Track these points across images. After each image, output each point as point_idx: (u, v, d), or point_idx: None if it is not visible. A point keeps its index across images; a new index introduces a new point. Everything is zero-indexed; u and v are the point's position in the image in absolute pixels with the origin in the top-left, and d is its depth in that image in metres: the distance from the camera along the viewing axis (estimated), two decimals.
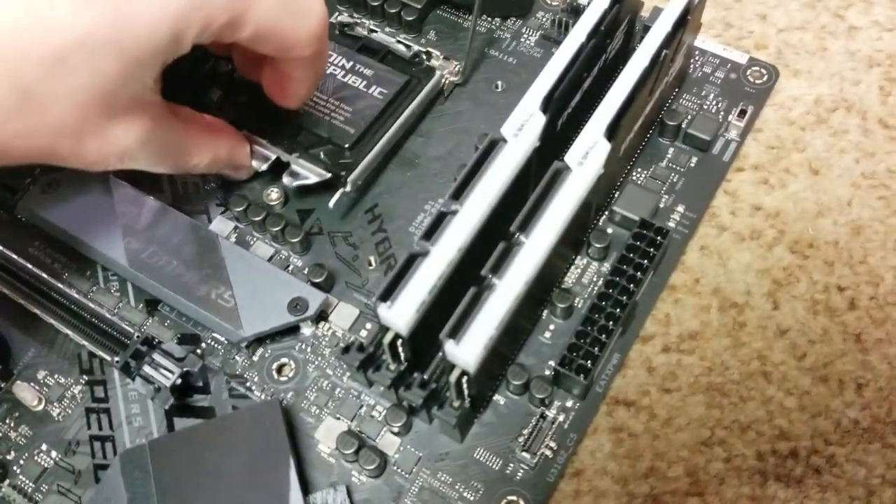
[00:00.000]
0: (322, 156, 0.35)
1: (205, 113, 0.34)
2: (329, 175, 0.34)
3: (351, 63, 0.37)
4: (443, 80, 0.38)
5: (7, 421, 0.32)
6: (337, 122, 0.36)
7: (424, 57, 0.38)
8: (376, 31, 0.39)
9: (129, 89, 0.27)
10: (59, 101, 0.26)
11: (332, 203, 0.34)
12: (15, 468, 0.31)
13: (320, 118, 0.36)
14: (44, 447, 0.31)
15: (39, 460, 0.31)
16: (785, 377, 0.32)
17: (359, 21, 0.40)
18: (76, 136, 0.27)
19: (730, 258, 0.34)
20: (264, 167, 0.35)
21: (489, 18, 0.41)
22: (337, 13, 0.41)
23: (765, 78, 0.38)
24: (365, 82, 0.37)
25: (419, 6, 0.40)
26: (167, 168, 0.32)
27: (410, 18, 0.40)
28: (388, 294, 0.27)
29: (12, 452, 0.31)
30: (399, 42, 0.39)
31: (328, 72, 0.37)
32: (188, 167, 0.33)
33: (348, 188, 0.34)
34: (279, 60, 0.31)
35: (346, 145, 0.35)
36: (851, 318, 0.33)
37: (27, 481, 0.31)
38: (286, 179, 0.35)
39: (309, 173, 0.35)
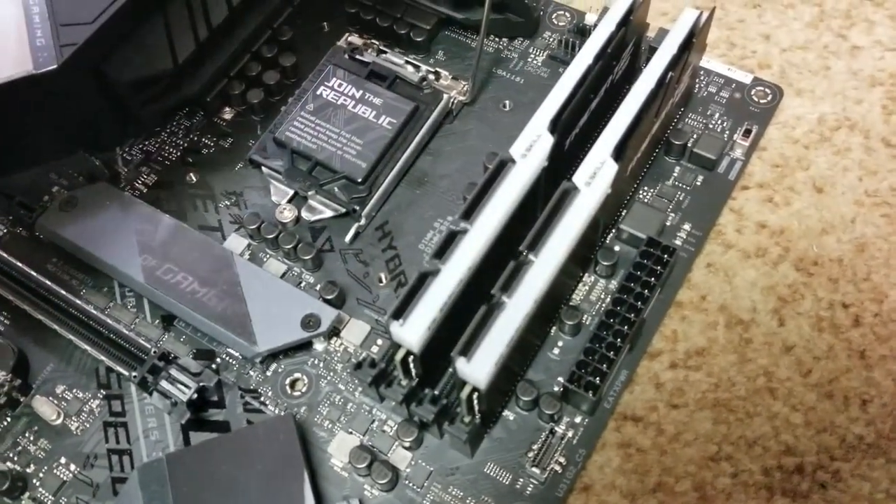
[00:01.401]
0: (336, 191, 0.36)
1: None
2: (344, 210, 0.36)
3: (360, 92, 0.38)
4: (451, 102, 0.39)
5: (26, 434, 0.33)
6: (349, 156, 0.36)
7: (433, 77, 0.39)
8: (386, 52, 0.40)
9: None
10: None
11: (348, 238, 0.36)
12: (35, 481, 0.32)
13: (333, 152, 0.36)
14: (63, 460, 0.32)
15: (58, 473, 0.32)
16: (791, 393, 0.32)
17: (368, 41, 0.41)
18: None
19: (735, 275, 0.35)
20: (284, 202, 0.36)
21: (497, 38, 0.41)
22: (347, 34, 0.41)
23: (769, 98, 0.39)
24: (374, 112, 0.37)
25: (428, 27, 0.41)
26: None
27: (419, 39, 0.40)
28: (400, 312, 0.27)
29: (32, 465, 0.32)
30: (408, 62, 0.40)
31: (339, 103, 0.38)
32: None
33: (363, 221, 0.36)
34: None
35: (359, 179, 0.36)
36: (856, 334, 0.33)
37: (47, 494, 0.31)
38: (305, 214, 0.36)
39: (325, 209, 0.36)
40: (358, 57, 0.40)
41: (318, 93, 0.38)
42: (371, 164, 0.36)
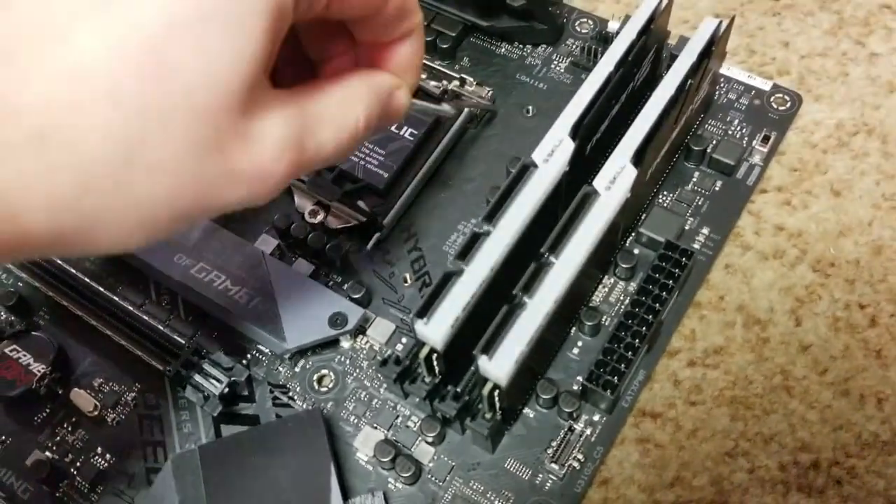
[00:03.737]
0: (359, 201, 0.36)
1: None
2: (366, 219, 0.36)
3: None
4: (474, 110, 0.40)
5: (65, 425, 0.34)
6: (371, 166, 0.37)
7: (458, 84, 0.40)
8: None
9: (246, 73, 0.22)
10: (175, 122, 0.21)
11: (369, 246, 0.37)
12: (72, 470, 0.33)
13: (356, 163, 0.37)
14: (99, 450, 0.33)
15: (95, 463, 0.33)
16: (807, 391, 0.33)
17: None
18: (216, 162, 0.22)
19: (753, 276, 0.35)
20: (309, 208, 0.37)
21: (521, 45, 0.42)
22: None
23: (788, 104, 0.39)
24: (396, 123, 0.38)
25: (453, 34, 0.42)
26: (339, 144, 0.26)
27: (445, 46, 0.41)
28: (424, 311, 0.28)
29: (69, 455, 0.33)
30: (432, 68, 0.41)
31: None
32: (355, 134, 0.27)
33: (384, 230, 0.37)
34: (373, 28, 0.27)
35: (381, 187, 0.37)
36: (872, 334, 0.34)
37: (83, 483, 0.32)
38: (329, 221, 0.37)
39: (348, 217, 0.37)
40: None
41: None
42: (393, 174, 0.37)
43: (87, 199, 0.21)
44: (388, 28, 0.27)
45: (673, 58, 0.34)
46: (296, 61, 0.27)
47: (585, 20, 0.43)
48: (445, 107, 0.35)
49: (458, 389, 0.30)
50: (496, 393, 0.28)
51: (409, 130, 0.38)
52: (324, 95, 0.26)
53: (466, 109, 0.39)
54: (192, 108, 0.21)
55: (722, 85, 0.40)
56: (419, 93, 0.39)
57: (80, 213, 0.21)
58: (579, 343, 0.34)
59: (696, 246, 0.36)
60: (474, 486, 0.31)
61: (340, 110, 0.26)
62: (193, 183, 0.22)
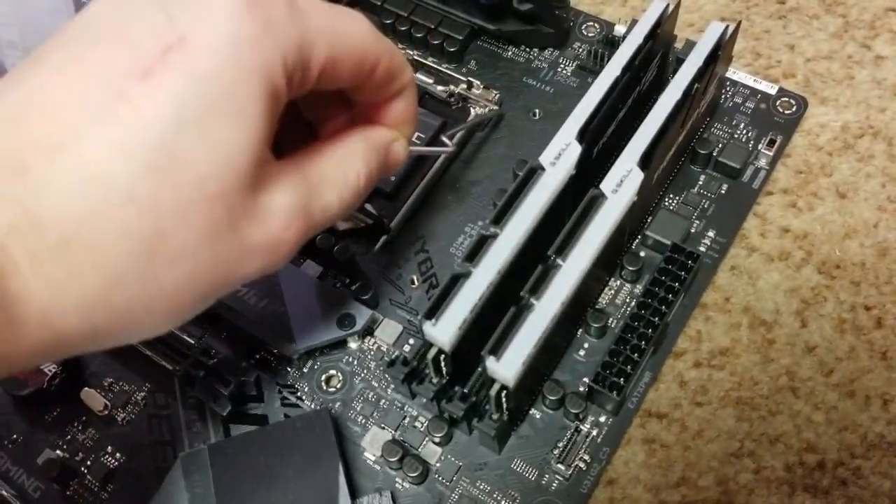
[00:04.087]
0: (366, 203, 0.37)
1: None
2: (373, 222, 0.37)
3: None
4: (482, 117, 0.40)
5: (76, 424, 0.34)
6: None
7: (466, 87, 0.40)
8: (416, 66, 0.41)
9: (252, 155, 0.23)
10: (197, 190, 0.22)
11: (376, 248, 0.37)
12: (83, 469, 0.33)
13: None
14: (109, 449, 0.33)
15: (105, 462, 0.33)
16: (812, 392, 0.33)
17: (403, 50, 0.42)
18: (232, 241, 0.23)
19: (759, 278, 0.35)
20: None
21: (527, 49, 0.43)
22: None
23: (794, 108, 0.39)
24: None
25: (461, 38, 0.42)
26: (343, 203, 0.27)
27: (452, 49, 0.42)
28: (432, 312, 0.28)
29: (80, 454, 0.33)
30: (439, 71, 0.41)
31: None
32: (357, 191, 0.28)
33: (391, 233, 0.37)
34: (367, 91, 0.28)
35: (388, 190, 0.37)
36: (878, 336, 0.34)
37: (94, 481, 0.33)
38: (337, 224, 0.37)
39: (356, 220, 0.37)
40: None
41: None
42: (400, 177, 0.37)
43: (115, 297, 0.21)
44: (381, 90, 0.28)
45: (679, 62, 0.34)
46: (295, 126, 0.28)
47: (592, 24, 0.43)
48: (446, 141, 0.36)
49: (466, 390, 0.31)
50: (503, 394, 0.28)
51: (417, 134, 0.38)
52: (324, 159, 0.27)
53: (473, 112, 0.40)
54: (205, 197, 0.22)
55: (728, 88, 0.40)
56: (425, 96, 0.40)
57: (110, 310, 0.22)
58: (585, 345, 0.34)
59: (702, 249, 0.36)
60: (481, 486, 0.31)
61: (341, 170, 0.27)
62: (212, 265, 0.23)
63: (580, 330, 0.34)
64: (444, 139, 0.36)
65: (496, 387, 0.28)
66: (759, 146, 0.38)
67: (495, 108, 0.40)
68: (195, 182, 0.22)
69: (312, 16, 0.24)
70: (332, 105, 0.29)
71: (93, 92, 0.21)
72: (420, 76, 0.41)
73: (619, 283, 0.35)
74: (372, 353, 0.35)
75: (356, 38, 0.26)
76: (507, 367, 0.27)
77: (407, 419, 0.33)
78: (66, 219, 0.21)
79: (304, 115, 0.29)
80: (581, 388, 0.33)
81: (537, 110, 0.40)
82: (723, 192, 0.37)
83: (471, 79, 0.41)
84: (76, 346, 0.22)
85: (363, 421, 0.33)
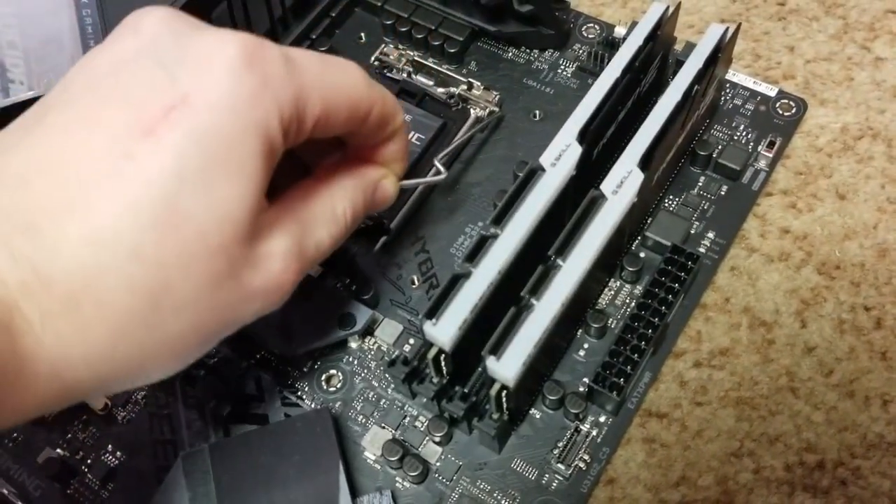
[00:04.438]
0: None
1: None
2: (372, 222, 0.37)
3: None
4: (481, 115, 0.40)
5: (76, 423, 0.34)
6: None
7: (466, 88, 0.40)
8: (416, 67, 0.42)
9: (250, 207, 0.24)
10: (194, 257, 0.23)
11: (376, 249, 0.37)
12: (83, 467, 0.33)
13: None
14: (110, 448, 0.33)
15: (106, 460, 0.33)
16: (812, 392, 0.33)
17: (403, 51, 0.42)
18: (233, 288, 0.24)
19: (759, 278, 0.36)
20: None
21: (528, 50, 0.43)
22: (383, 45, 0.43)
23: (793, 110, 0.39)
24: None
25: (461, 39, 0.42)
26: (333, 238, 0.28)
27: (453, 50, 0.42)
28: (433, 312, 0.28)
29: (80, 452, 0.33)
30: (440, 72, 0.41)
31: None
32: (345, 227, 0.29)
33: (391, 233, 0.37)
34: (359, 137, 0.29)
35: None
36: (877, 336, 0.34)
37: (94, 480, 0.33)
38: None
39: None
40: (388, 74, 0.41)
41: None
42: (399, 178, 0.37)
43: (121, 347, 0.22)
44: (373, 136, 0.29)
45: (679, 63, 0.35)
46: (289, 165, 0.29)
47: (592, 25, 0.43)
48: (439, 168, 0.36)
49: (466, 390, 0.31)
50: (504, 393, 0.29)
51: (417, 136, 0.38)
52: (315, 198, 0.28)
53: (473, 113, 0.40)
54: (207, 249, 0.23)
55: (727, 90, 0.40)
56: (426, 98, 0.40)
57: (117, 360, 0.23)
58: (585, 345, 0.34)
59: (702, 250, 0.36)
60: (481, 486, 0.31)
61: (330, 207, 0.28)
62: (215, 312, 0.24)
63: (580, 330, 0.34)
64: (438, 165, 0.36)
65: (496, 387, 0.28)
66: (759, 148, 0.38)
67: (495, 109, 0.40)
68: (198, 235, 0.22)
69: (307, 69, 0.25)
70: (324, 146, 0.30)
71: (99, 152, 0.22)
72: (420, 78, 0.41)
73: (618, 283, 0.35)
74: (372, 352, 0.35)
75: (350, 89, 0.27)
76: (507, 366, 0.27)
77: (407, 419, 0.33)
78: (75, 277, 0.21)
79: (297, 156, 0.30)
80: (581, 389, 0.33)
81: (537, 111, 0.41)
82: (722, 193, 0.37)
83: (471, 80, 0.41)
84: (84, 393, 0.23)
85: (363, 420, 0.33)
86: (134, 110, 0.22)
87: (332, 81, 0.26)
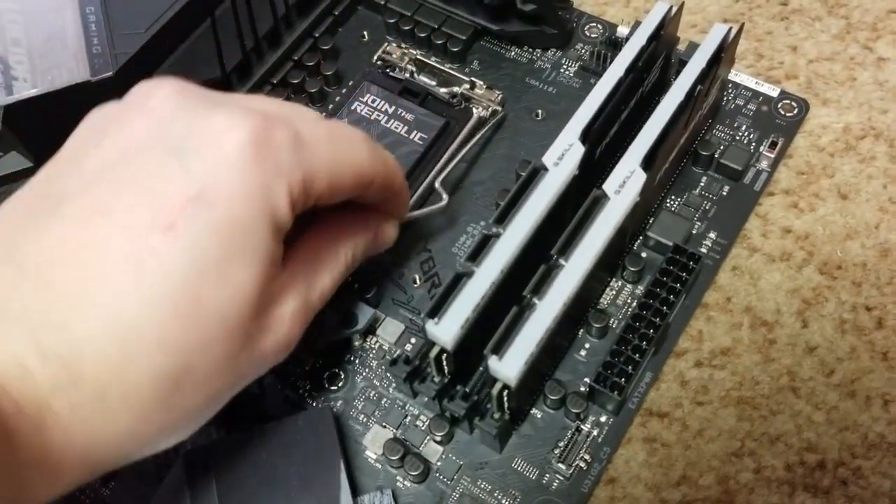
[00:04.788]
0: None
1: None
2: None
3: (393, 108, 0.39)
4: (484, 114, 0.40)
5: None
6: None
7: (469, 87, 0.40)
8: (419, 66, 0.42)
9: (264, 285, 0.25)
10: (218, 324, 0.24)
11: None
12: None
13: None
14: None
15: None
16: (813, 392, 0.33)
17: (406, 50, 0.42)
18: (247, 357, 0.25)
19: (760, 278, 0.36)
20: None
21: (530, 49, 0.43)
22: (386, 43, 0.43)
23: (795, 111, 0.40)
24: (406, 127, 0.39)
25: (464, 38, 0.42)
26: (335, 282, 0.30)
27: (455, 49, 0.42)
28: (435, 311, 0.28)
29: None
30: (442, 71, 0.41)
31: (372, 118, 0.39)
32: (346, 270, 0.30)
33: None
34: (362, 199, 0.30)
35: None
36: (879, 336, 0.34)
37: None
38: None
39: None
40: (391, 73, 0.41)
41: (353, 108, 0.39)
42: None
43: (144, 428, 0.23)
44: (375, 198, 0.30)
45: (682, 63, 0.35)
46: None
47: (595, 25, 0.43)
48: (440, 192, 0.36)
49: (467, 389, 0.31)
50: (505, 393, 0.29)
51: (419, 135, 0.38)
52: (320, 249, 0.29)
53: (476, 114, 0.40)
54: (226, 330, 0.24)
55: (730, 91, 0.40)
56: (428, 97, 0.40)
57: (139, 439, 0.24)
58: (587, 345, 0.34)
59: (704, 250, 0.36)
60: (482, 485, 0.31)
61: (333, 252, 0.29)
62: (230, 380, 0.25)
63: (581, 330, 0.34)
64: (440, 189, 0.37)
65: (498, 386, 0.28)
66: (761, 148, 0.38)
67: (497, 108, 0.40)
68: (217, 320, 0.23)
69: (315, 149, 0.26)
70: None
71: (120, 246, 0.23)
72: (423, 77, 0.41)
73: (620, 283, 0.35)
74: (374, 351, 0.35)
75: (356, 164, 0.28)
76: (509, 366, 0.28)
77: (408, 418, 0.33)
78: (103, 370, 0.22)
79: None
80: (582, 388, 0.33)
81: (540, 111, 0.41)
82: (724, 193, 0.37)
83: (474, 79, 0.41)
84: (108, 468, 0.24)
85: (365, 419, 0.33)
86: (152, 203, 0.23)
87: (339, 159, 0.27)
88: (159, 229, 0.23)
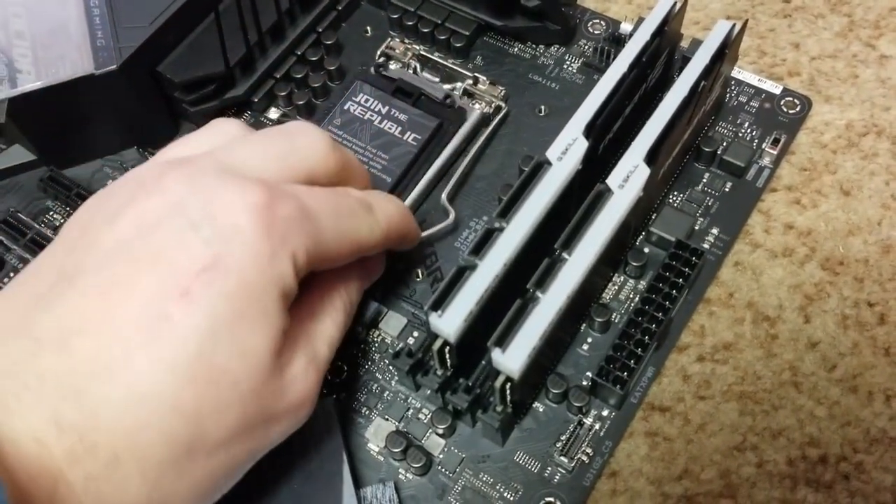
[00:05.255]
0: None
1: None
2: None
3: (387, 108, 0.39)
4: (487, 110, 0.40)
5: None
6: (375, 170, 0.37)
7: (472, 82, 0.40)
8: (422, 61, 0.42)
9: (275, 349, 0.26)
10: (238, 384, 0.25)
11: None
12: None
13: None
14: None
15: None
16: (815, 387, 0.33)
17: (409, 45, 0.42)
18: (261, 421, 0.26)
19: (763, 274, 0.36)
20: None
21: (533, 45, 0.43)
22: (389, 38, 0.43)
23: (798, 108, 0.40)
24: (400, 128, 0.38)
25: (467, 33, 0.42)
26: (342, 329, 0.30)
27: (459, 45, 0.42)
28: (438, 304, 0.28)
29: None
30: (445, 66, 0.41)
31: (365, 118, 0.39)
32: (349, 311, 0.31)
33: None
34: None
35: (391, 182, 0.37)
36: (881, 332, 0.34)
37: None
38: None
39: None
40: (384, 73, 0.41)
41: (346, 108, 0.39)
42: (396, 178, 0.37)
43: (155, 495, 0.23)
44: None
45: (685, 60, 0.35)
46: None
47: (598, 21, 0.43)
48: (448, 208, 0.37)
49: (470, 382, 0.31)
50: (508, 386, 0.29)
51: (413, 135, 0.38)
52: (319, 299, 0.30)
53: (478, 110, 0.40)
54: (239, 395, 0.24)
55: (732, 88, 0.40)
56: (422, 98, 0.40)
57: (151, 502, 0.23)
58: (589, 339, 0.34)
59: (706, 246, 0.36)
60: (484, 478, 0.31)
61: (334, 302, 0.30)
62: (245, 446, 0.25)
63: (584, 325, 0.34)
64: (446, 204, 0.37)
65: (501, 379, 0.28)
66: (763, 145, 0.38)
67: (500, 104, 0.40)
68: (230, 385, 0.24)
69: (318, 221, 0.27)
70: None
71: (137, 315, 0.23)
72: (426, 74, 0.41)
73: (622, 278, 0.35)
74: (376, 345, 0.35)
75: (356, 236, 0.29)
76: (512, 358, 0.28)
77: (411, 411, 0.33)
78: (118, 437, 0.22)
79: None
80: (584, 382, 0.33)
81: (543, 107, 0.41)
82: (727, 189, 0.37)
83: (477, 75, 0.41)
84: None
85: (367, 412, 0.33)
86: (168, 273, 0.24)
87: (341, 230, 0.28)
88: (175, 297, 0.23)
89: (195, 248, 0.24)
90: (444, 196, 0.37)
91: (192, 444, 0.24)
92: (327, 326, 0.29)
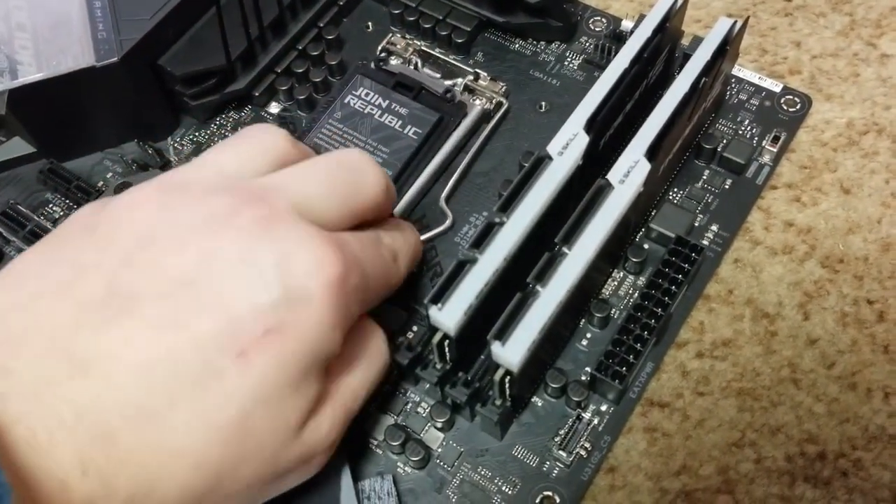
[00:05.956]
0: None
1: None
2: None
3: (387, 102, 0.39)
4: (488, 106, 0.40)
5: None
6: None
7: (473, 78, 0.40)
8: (423, 57, 0.42)
9: (307, 413, 0.25)
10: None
11: None
12: None
13: None
14: None
15: None
16: (814, 384, 0.33)
17: (410, 41, 0.42)
18: (276, 476, 0.25)
19: (762, 271, 0.36)
20: None
21: (535, 42, 0.43)
22: (390, 34, 0.43)
23: (798, 106, 0.40)
24: (400, 122, 0.38)
25: (468, 29, 0.42)
26: (375, 379, 0.30)
27: (460, 41, 0.42)
28: (438, 297, 0.28)
29: None
30: (447, 62, 0.41)
31: (366, 112, 0.39)
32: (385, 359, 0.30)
33: None
34: None
35: (392, 177, 0.37)
36: (880, 329, 0.34)
37: None
38: None
39: None
40: (384, 67, 0.41)
41: (346, 101, 0.39)
42: (396, 172, 0.37)
43: None
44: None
45: (686, 57, 0.35)
46: None
47: (599, 18, 0.43)
48: (445, 211, 0.37)
49: (469, 376, 0.31)
50: (507, 379, 0.29)
51: (413, 130, 0.38)
52: (356, 355, 0.28)
53: (478, 106, 0.40)
54: (261, 457, 0.24)
55: (733, 85, 0.40)
56: (422, 92, 0.40)
57: None
58: (588, 335, 0.34)
59: (706, 242, 0.36)
60: (482, 472, 0.31)
61: (373, 353, 0.29)
62: (257, 494, 0.25)
63: (583, 320, 0.34)
64: (444, 207, 0.37)
65: (500, 372, 0.28)
66: (764, 143, 0.39)
67: (502, 100, 0.40)
68: (255, 447, 0.24)
69: (371, 279, 0.27)
70: None
71: (190, 363, 0.22)
72: (427, 70, 0.41)
73: (622, 274, 0.35)
74: None
75: (389, 286, 0.29)
76: (512, 352, 0.28)
77: (409, 404, 0.33)
78: (137, 485, 0.22)
79: None
80: (583, 377, 0.33)
81: (543, 103, 0.41)
82: (727, 186, 0.38)
83: (478, 70, 0.41)
84: None
85: (366, 405, 0.33)
86: (232, 329, 0.23)
87: (381, 286, 0.28)
88: (232, 354, 0.23)
89: (262, 306, 0.23)
90: (441, 198, 0.37)
91: (205, 494, 0.23)
92: (359, 380, 0.28)
